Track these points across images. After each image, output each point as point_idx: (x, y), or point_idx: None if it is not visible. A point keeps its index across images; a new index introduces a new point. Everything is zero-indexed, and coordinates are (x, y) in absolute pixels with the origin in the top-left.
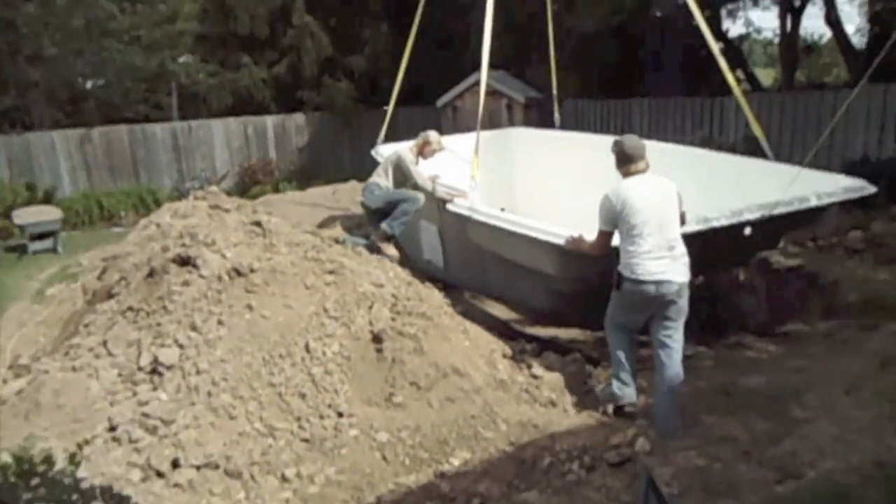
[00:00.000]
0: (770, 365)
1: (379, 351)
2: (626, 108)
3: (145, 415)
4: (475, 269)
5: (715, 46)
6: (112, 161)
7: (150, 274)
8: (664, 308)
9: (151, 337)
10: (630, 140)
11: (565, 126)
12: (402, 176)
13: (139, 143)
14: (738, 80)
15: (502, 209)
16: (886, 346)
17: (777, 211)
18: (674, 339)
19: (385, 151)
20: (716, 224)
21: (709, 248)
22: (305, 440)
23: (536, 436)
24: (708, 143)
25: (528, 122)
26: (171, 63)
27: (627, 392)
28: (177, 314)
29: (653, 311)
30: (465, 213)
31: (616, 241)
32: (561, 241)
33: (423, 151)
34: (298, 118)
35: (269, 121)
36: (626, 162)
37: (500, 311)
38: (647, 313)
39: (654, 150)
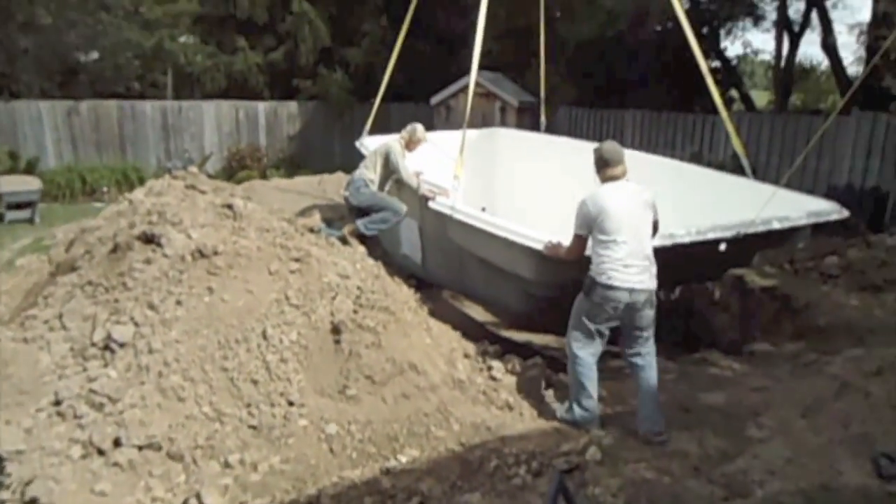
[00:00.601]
0: (732, 383)
1: (337, 342)
2: (619, 118)
3: (93, 391)
4: (452, 267)
5: (703, 64)
6: (99, 136)
7: (114, 249)
8: (635, 317)
9: (108, 313)
10: (608, 145)
11: (558, 132)
12: (389, 169)
13: (128, 119)
14: (732, 100)
15: (483, 208)
16: (846, 371)
17: (748, 230)
18: (649, 345)
19: (370, 144)
20: (680, 241)
21: (676, 262)
22: (253, 427)
23: (488, 438)
24: (698, 159)
25: (521, 126)
26: (169, 42)
27: (589, 420)
28: (135, 291)
29: (621, 319)
30: (447, 211)
31: (590, 246)
32: (539, 247)
33: (409, 145)
34: (291, 106)
35: (262, 107)
36: (603, 167)
37: (475, 311)
38: (613, 322)
39: (636, 160)
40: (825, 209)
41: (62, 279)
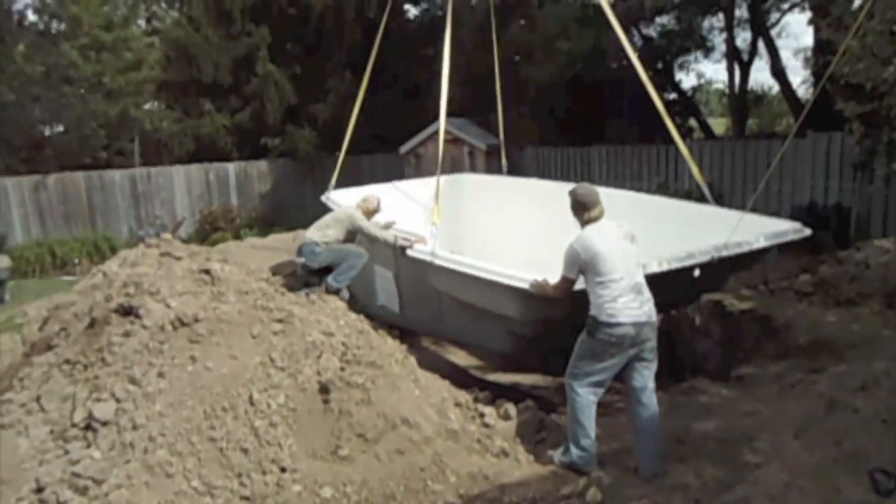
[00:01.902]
0: (722, 409)
1: (326, 402)
2: (585, 155)
3: (76, 474)
4: (432, 313)
5: (658, 100)
6: (67, 208)
7: (91, 325)
8: (641, 350)
9: (87, 391)
10: (583, 189)
11: (526, 172)
12: (353, 235)
13: (96, 189)
14: (691, 129)
15: (451, 252)
16: (832, 388)
17: (720, 255)
18: (651, 379)
19: (337, 197)
20: (654, 270)
21: (652, 291)
22: (245, 498)
23: (486, 487)
24: (664, 188)
25: (489, 169)
26: (134, 110)
27: (588, 461)
28: (115, 366)
29: (628, 356)
30: (427, 258)
31: (579, 285)
32: (525, 286)
33: (368, 215)
34: (261, 165)
35: (231, 167)
36: (581, 210)
37: (459, 357)
38: (622, 359)
39: (603, 196)
40: (788, 229)
41: (38, 359)
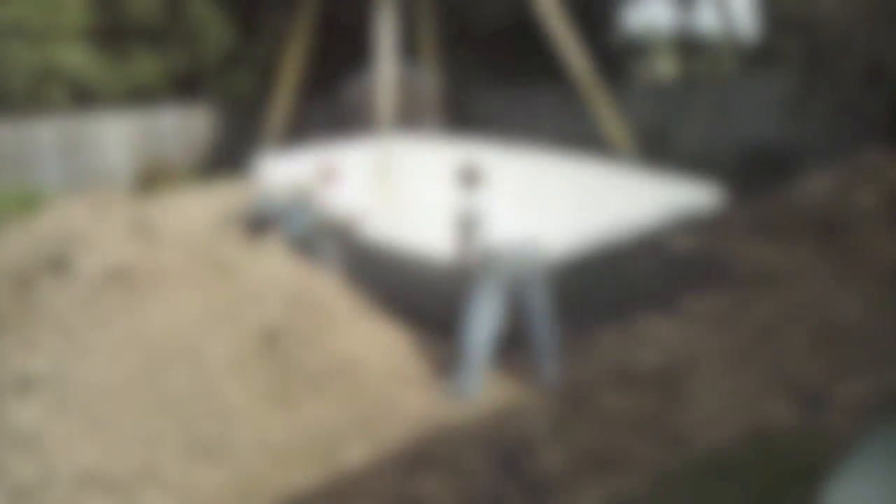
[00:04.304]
0: (664, 341)
1: (272, 348)
2: (531, 97)
3: (12, 430)
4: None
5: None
6: None
7: (21, 279)
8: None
9: (20, 347)
10: (468, 165)
11: (476, 117)
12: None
13: (21, 141)
14: (630, 75)
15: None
16: (768, 318)
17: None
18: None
19: (274, 168)
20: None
21: None
22: (191, 446)
23: (437, 425)
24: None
25: (440, 114)
26: (58, 55)
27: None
28: (48, 321)
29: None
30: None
31: None
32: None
33: (324, 175)
34: (199, 111)
35: (168, 115)
36: (468, 183)
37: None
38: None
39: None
40: (692, 200)
41: None
